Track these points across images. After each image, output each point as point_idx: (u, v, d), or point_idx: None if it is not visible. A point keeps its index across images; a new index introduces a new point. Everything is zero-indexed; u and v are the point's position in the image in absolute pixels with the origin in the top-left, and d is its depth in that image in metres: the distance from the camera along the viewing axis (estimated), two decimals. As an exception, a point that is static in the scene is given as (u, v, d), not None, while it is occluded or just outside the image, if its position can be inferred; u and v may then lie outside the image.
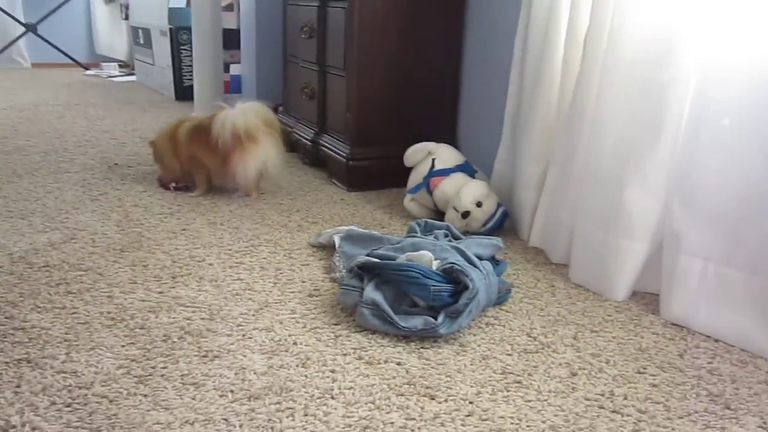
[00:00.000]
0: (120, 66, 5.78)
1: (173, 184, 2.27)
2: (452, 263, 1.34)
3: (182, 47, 4.14)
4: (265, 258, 1.71)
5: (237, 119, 2.06)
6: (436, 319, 1.30)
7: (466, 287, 1.32)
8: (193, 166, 2.19)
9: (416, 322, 1.30)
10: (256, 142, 2.06)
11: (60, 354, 1.20)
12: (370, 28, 2.24)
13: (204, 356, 1.22)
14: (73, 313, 1.37)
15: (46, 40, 5.61)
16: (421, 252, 1.39)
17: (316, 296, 1.50)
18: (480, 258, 1.46)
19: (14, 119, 3.41)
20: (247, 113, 2.09)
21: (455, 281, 1.34)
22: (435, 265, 1.37)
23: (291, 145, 2.85)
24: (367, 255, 1.48)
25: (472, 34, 2.36)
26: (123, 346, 1.24)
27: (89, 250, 1.70)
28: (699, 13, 1.37)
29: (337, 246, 1.68)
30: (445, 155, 2.03)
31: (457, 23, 2.37)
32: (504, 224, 1.95)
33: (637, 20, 1.44)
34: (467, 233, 1.89)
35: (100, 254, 1.68)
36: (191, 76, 4.14)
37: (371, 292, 1.35)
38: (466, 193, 1.90)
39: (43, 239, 1.76)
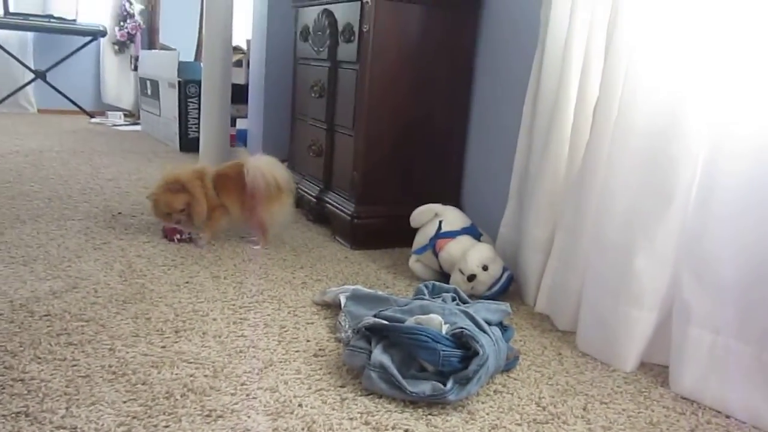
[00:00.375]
0: (125, 115, 5.85)
1: (177, 236, 2.26)
2: (462, 328, 1.33)
3: (189, 99, 4.20)
4: (269, 315, 1.69)
5: (271, 169, 2.12)
6: (444, 385, 1.28)
7: (476, 353, 1.30)
8: (216, 215, 2.21)
9: (425, 387, 1.28)
10: (283, 194, 2.17)
11: (60, 408, 1.18)
12: (380, 88, 2.28)
13: (207, 416, 1.19)
14: (74, 365, 1.34)
15: (54, 87, 5.69)
16: (431, 315, 1.38)
17: (321, 356, 1.47)
18: (489, 323, 1.44)
19: (19, 164, 3.43)
20: (274, 165, 2.14)
21: (465, 346, 1.32)
22: (444, 329, 1.36)
23: (296, 200, 2.86)
24: (375, 316, 1.46)
25: (481, 95, 2.40)
26: (124, 402, 1.22)
27: (91, 300, 1.69)
28: (708, 85, 1.41)
29: (342, 305, 1.66)
30: (451, 217, 2.04)
31: (466, 83, 2.41)
32: (509, 288, 1.94)
33: (649, 91, 1.48)
34: (472, 297, 1.88)
35: (102, 305, 1.66)
36: (197, 128, 4.19)
37: (379, 355, 1.33)
38: (473, 256, 1.90)
39: (44, 287, 1.75)
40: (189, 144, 4.22)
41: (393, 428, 1.21)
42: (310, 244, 2.38)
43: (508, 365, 1.47)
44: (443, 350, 1.30)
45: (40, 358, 1.36)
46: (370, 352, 1.36)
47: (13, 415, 1.15)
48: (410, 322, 1.40)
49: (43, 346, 1.41)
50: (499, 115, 2.31)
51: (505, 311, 1.54)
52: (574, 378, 1.47)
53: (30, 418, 1.14)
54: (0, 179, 3.03)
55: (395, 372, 1.30)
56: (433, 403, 1.29)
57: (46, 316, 1.57)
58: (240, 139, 3.73)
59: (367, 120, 2.30)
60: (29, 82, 5.70)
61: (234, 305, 1.73)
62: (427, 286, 1.65)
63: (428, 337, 1.31)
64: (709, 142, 1.41)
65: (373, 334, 1.39)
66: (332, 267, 2.12)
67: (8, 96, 5.62)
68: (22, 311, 1.59)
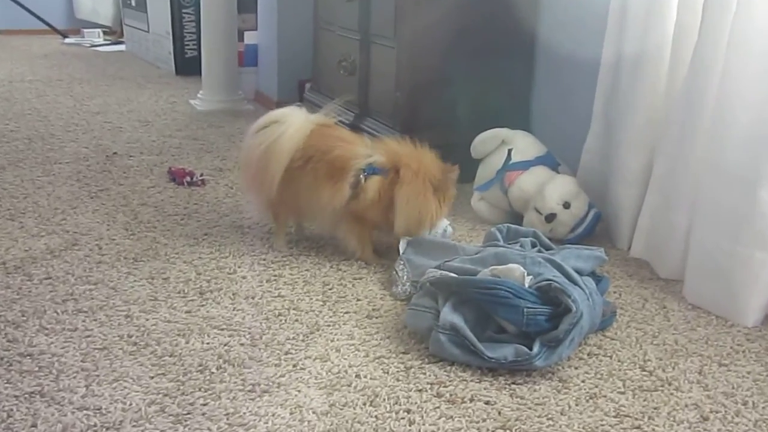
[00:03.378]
0: (105, 33, 5.84)
1: (187, 178, 2.29)
2: (549, 280, 1.34)
3: (185, 10, 4.18)
4: (308, 270, 1.72)
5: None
6: (530, 348, 1.29)
7: (567, 309, 1.31)
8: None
9: (506, 351, 1.30)
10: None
11: (79, 386, 1.22)
12: (427, -12, 2.25)
13: (250, 391, 1.23)
14: (87, 336, 1.38)
15: (18, 2, 5.69)
16: (510, 266, 1.39)
17: (377, 317, 1.50)
18: (580, 273, 1.45)
19: (-13, 98, 3.47)
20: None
21: (553, 302, 1.33)
22: (527, 281, 1.37)
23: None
24: (439, 267, 1.47)
25: (552, -5, 2.35)
26: (152, 377, 1.26)
27: (96, 259, 1.73)
28: None
29: (401, 252, 1.68)
30: (522, 145, 2.03)
31: (532, -19, 2.36)
32: (596, 229, 1.94)
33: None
34: (553, 241, 1.88)
35: (109, 264, 1.70)
36: (195, 45, 4.17)
37: (449, 314, 1.34)
38: (551, 191, 1.89)
39: (39, 245, 1.79)
40: (187, 65, 4.22)
41: (471, 400, 1.23)
42: (347, 183, 2.38)
43: (604, 323, 1.48)
44: (527, 307, 1.31)
45: (47, 328, 1.40)
46: (438, 311, 1.37)
47: (27, 395, 1.19)
48: (484, 274, 1.41)
49: (48, 314, 1.46)
50: (577, 12, 2.26)
51: (600, 258, 1.54)
52: (684, 336, 1.48)
53: (47, 399, 1.19)
54: (-32, 117, 3.08)
55: (469, 334, 1.31)
56: (517, 369, 1.31)
57: (46, 279, 1.61)
58: (250, 57, 3.70)
59: (413, 27, 2.26)
60: (-13, -3, 5.72)
61: (265, 260, 1.76)
62: (500, 230, 1.65)
63: (508, 291, 1.32)
64: None
65: (439, 290, 1.41)
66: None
67: (-36, 15, 5.64)
68: (19, 274, 1.63)
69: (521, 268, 1.39)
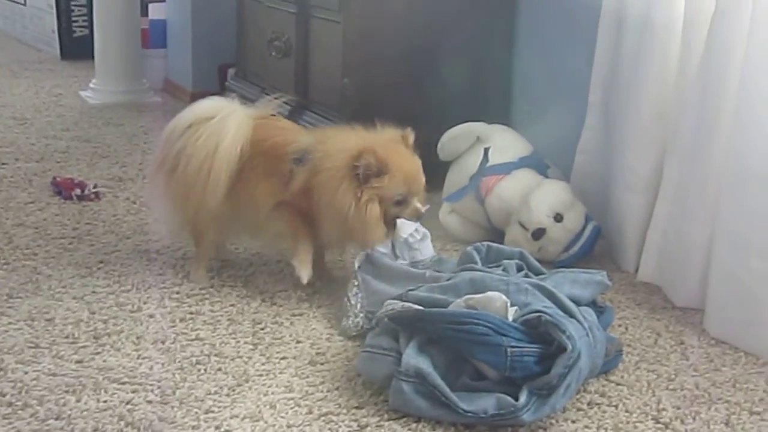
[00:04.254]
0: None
1: (77, 191, 2.26)
2: (539, 312, 1.34)
3: (72, -22, 4.16)
4: (233, 305, 1.71)
5: None
6: (516, 398, 1.30)
7: (562, 348, 1.32)
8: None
9: (486, 403, 1.30)
10: None
11: (-64, 462, 1.19)
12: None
13: (162, 462, 1.21)
14: (-53, 395, 1.36)
15: None
16: (489, 294, 1.40)
17: (321, 364, 1.50)
18: (577, 303, 1.46)
19: None
20: None
21: (544, 339, 1.34)
22: (511, 314, 1.37)
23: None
24: (400, 298, 1.47)
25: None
26: (32, 448, 1.24)
27: (-42, 296, 1.70)
28: None
29: (356, 266, 1.68)
30: (502, 142, 2.04)
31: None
32: (595, 248, 1.96)
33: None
34: (543, 263, 1.90)
35: (-25, 302, 1.67)
36: (86, 21, 4.13)
37: (413, 357, 1.34)
38: (539, 200, 1.90)
39: None
40: (75, 47, 4.18)
41: (443, 467, 1.23)
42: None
43: (608, 364, 1.49)
44: (511, 345, 1.31)
45: None
46: (399, 353, 1.37)
47: None
48: (457, 305, 1.41)
49: None
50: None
51: (602, 283, 1.55)
52: (706, 378, 1.50)
53: None
54: None
55: (440, 382, 1.31)
56: (500, 425, 1.31)
57: None
58: (156, 36, 3.68)
59: (363, -3, 2.28)
60: None
61: (178, 293, 1.75)
62: (478, 250, 1.66)
63: (488, 326, 1.32)
64: None
65: (401, 326, 1.41)
66: (320, 228, 2.13)
67: None
68: None
69: (503, 297, 1.39)
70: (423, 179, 1.75)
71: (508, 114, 2.48)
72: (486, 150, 2.01)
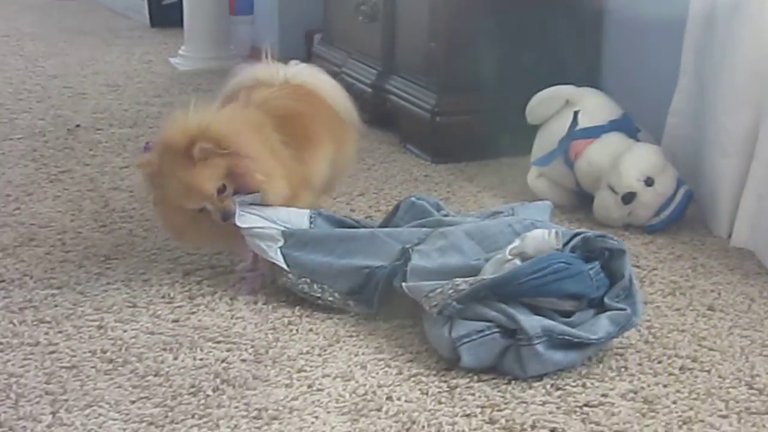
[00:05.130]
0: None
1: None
2: (581, 233, 1.45)
3: (160, -55, 4.21)
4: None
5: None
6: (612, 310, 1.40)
7: (618, 253, 1.43)
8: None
9: (601, 325, 1.38)
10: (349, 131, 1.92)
11: (43, 414, 1.24)
12: None
13: (256, 417, 1.25)
14: (52, 352, 1.41)
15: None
16: (534, 234, 1.44)
17: (411, 326, 1.51)
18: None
19: None
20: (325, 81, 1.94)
21: (594, 257, 1.44)
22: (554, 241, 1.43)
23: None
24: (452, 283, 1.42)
25: None
26: (133, 402, 1.28)
27: (59, 257, 1.75)
28: None
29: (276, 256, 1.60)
30: (592, 105, 2.02)
31: None
32: (686, 212, 1.94)
33: None
34: (630, 227, 1.90)
35: (76, 263, 1.73)
36: (174, -11, 4.20)
37: (530, 319, 1.36)
38: (629, 164, 1.88)
39: (-11, 241, 1.82)
40: (164, 15, 4.24)
41: (533, 428, 1.24)
42: (369, 157, 2.40)
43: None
44: (589, 269, 1.40)
45: (1, 343, 1.43)
46: (501, 326, 1.36)
47: (-21, 425, 1.22)
48: (500, 260, 1.43)
49: (3, 326, 1.48)
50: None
51: (549, 206, 1.70)
52: (804, 345, 1.48)
53: (4, 429, 1.21)
54: None
55: (566, 328, 1.36)
56: (590, 388, 1.32)
57: (-1, 282, 1.65)
58: (243, 2, 3.72)
59: (450, -41, 2.27)
60: None
61: (269, 255, 1.78)
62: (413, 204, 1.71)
63: (562, 262, 1.39)
64: None
65: (477, 301, 1.39)
66: (405, 190, 2.14)
67: None
68: (-36, 276, 1.67)
69: (546, 230, 1.45)
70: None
71: (598, 77, 2.45)
72: (575, 113, 2.00)
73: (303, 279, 1.57)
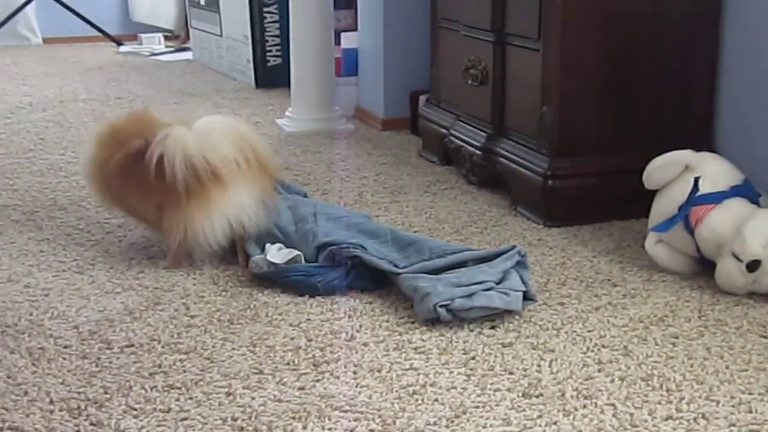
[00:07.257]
0: (166, 38, 6.09)
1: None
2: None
3: (266, 10, 4.31)
4: (443, 334, 1.73)
5: (193, 146, 2.00)
6: None
7: None
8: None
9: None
10: (224, 186, 2.01)
11: (181, 483, 1.27)
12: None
13: (390, 491, 1.25)
14: (184, 418, 1.44)
15: (64, 4, 5.98)
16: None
17: (536, 396, 1.50)
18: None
19: (37, 123, 3.66)
20: (213, 136, 2.06)
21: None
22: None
23: (447, 154, 2.89)
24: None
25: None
26: (267, 471, 1.29)
27: (184, 322, 1.80)
28: None
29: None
30: (713, 171, 2.00)
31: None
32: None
33: None
34: (754, 295, 1.86)
35: (201, 327, 1.77)
36: (280, 51, 4.30)
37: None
38: (754, 230, 1.85)
39: (116, 304, 1.87)
40: (269, 76, 4.36)
41: None
42: (479, 220, 2.41)
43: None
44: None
45: (135, 408, 1.47)
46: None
47: (120, 492, 1.25)
48: None
49: (135, 391, 1.52)
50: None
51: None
52: None
53: (144, 497, 1.24)
54: (17, 147, 3.25)
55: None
56: None
57: (128, 346, 1.69)
58: (349, 64, 3.78)
59: (563, 26, 2.28)
60: (27, 2, 6.03)
61: (387, 322, 1.79)
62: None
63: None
64: None
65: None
66: (521, 256, 2.14)
67: (3, 23, 5.98)
68: (95, 341, 1.71)
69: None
70: None
71: (713, 139, 2.43)
72: (696, 179, 1.98)
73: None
